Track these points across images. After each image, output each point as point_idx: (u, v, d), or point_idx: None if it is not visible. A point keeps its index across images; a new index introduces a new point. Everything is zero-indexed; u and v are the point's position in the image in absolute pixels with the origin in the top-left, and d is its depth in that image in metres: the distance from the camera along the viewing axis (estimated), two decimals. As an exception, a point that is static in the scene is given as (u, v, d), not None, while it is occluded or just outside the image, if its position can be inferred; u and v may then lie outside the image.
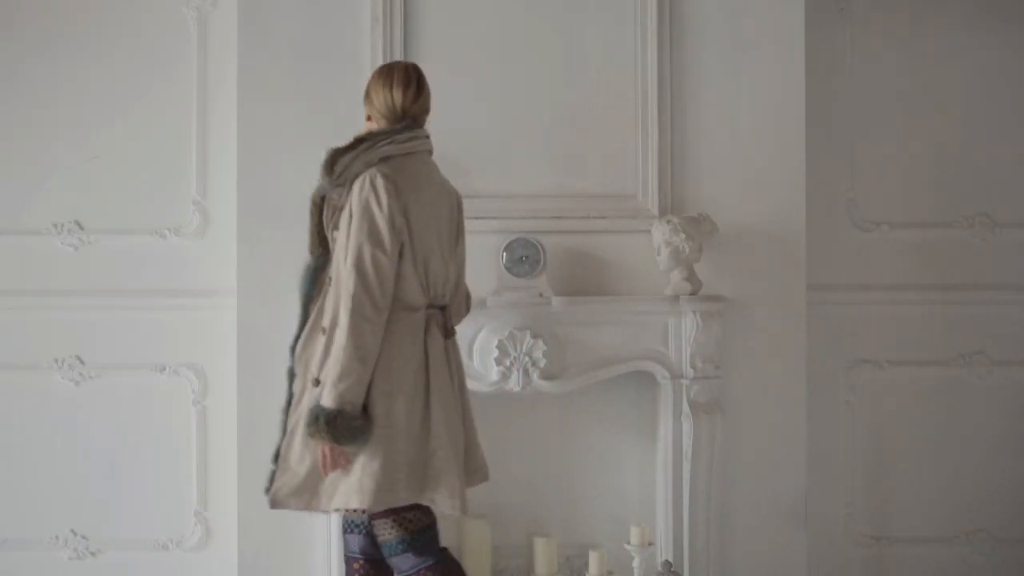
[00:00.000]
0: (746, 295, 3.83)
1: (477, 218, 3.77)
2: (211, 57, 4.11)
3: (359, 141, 2.87)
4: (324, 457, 2.74)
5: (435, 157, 3.02)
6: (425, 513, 2.88)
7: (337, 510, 2.85)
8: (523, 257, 3.72)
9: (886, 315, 4.18)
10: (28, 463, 4.11)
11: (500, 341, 3.66)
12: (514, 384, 3.66)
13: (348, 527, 3.01)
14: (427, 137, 2.98)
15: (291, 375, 2.90)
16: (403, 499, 2.77)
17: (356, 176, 2.82)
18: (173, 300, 4.07)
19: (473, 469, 2.99)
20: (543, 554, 3.73)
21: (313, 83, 3.80)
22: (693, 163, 3.86)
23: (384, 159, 2.84)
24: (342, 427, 2.68)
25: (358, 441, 2.72)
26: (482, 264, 3.75)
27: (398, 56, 3.80)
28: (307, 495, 2.82)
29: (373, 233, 2.75)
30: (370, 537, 2.95)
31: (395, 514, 2.84)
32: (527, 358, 3.67)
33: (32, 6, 4.13)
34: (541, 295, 3.70)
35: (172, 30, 4.12)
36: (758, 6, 3.88)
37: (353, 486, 2.74)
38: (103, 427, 4.11)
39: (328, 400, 2.69)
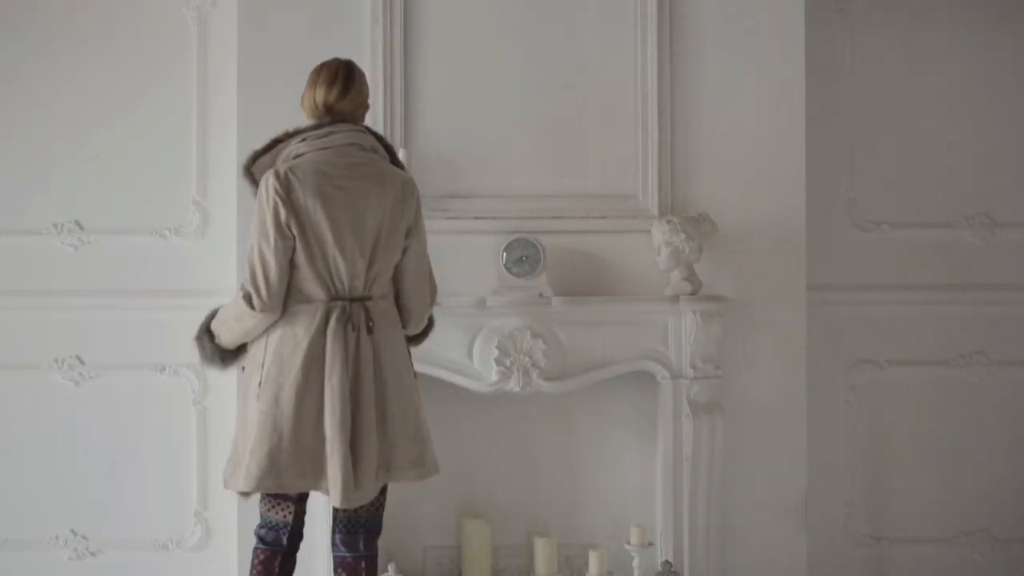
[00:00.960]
0: (746, 295, 3.83)
1: (477, 218, 3.79)
2: (211, 57, 4.11)
3: (276, 142, 2.99)
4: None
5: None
6: (282, 513, 3.00)
7: (238, 492, 2.96)
8: (523, 257, 3.72)
9: (886, 315, 4.19)
10: (28, 463, 4.11)
11: (500, 341, 3.66)
12: (514, 384, 3.66)
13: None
14: (358, 131, 2.99)
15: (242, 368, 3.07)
16: (292, 486, 2.88)
17: None
18: (173, 300, 4.07)
19: (391, 465, 2.93)
20: (543, 554, 3.73)
21: (313, 83, 3.80)
22: (693, 163, 3.86)
23: (298, 156, 2.93)
24: (204, 341, 3.07)
25: (200, 356, 3.09)
26: (482, 264, 3.75)
27: (398, 56, 3.80)
28: (228, 474, 2.99)
29: (261, 229, 2.89)
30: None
31: (267, 498, 3.01)
32: (527, 358, 3.67)
33: (32, 6, 4.14)
34: (541, 295, 3.70)
35: (172, 30, 4.13)
36: (758, 6, 3.88)
37: (242, 471, 2.87)
38: (103, 427, 4.11)
39: (214, 321, 3.04)
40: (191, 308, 4.00)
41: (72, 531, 4.12)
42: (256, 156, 2.99)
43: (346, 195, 2.90)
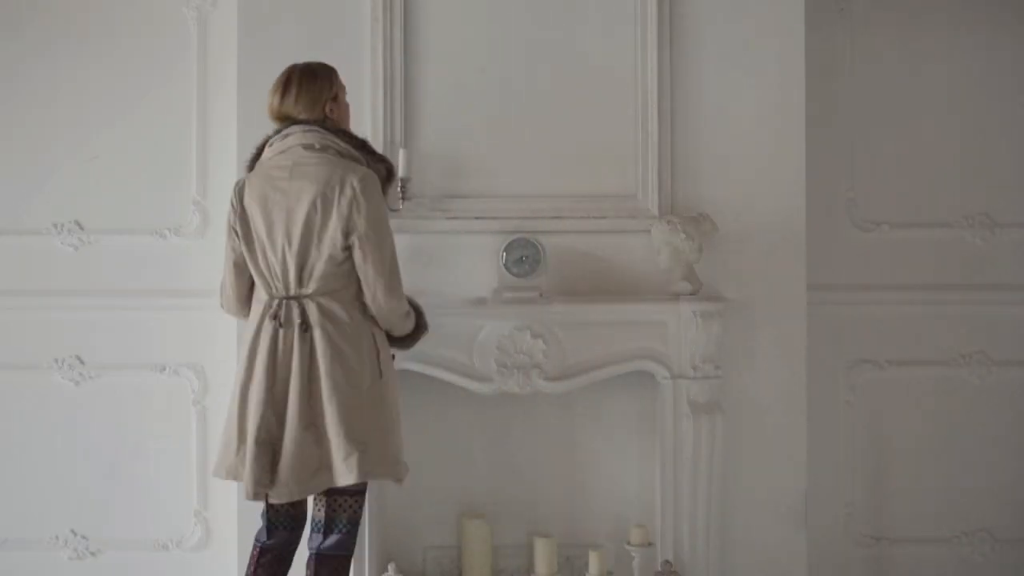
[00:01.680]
0: (746, 295, 3.83)
1: (477, 218, 3.79)
2: (211, 57, 4.11)
3: (259, 151, 3.14)
4: None
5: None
6: (262, 506, 3.11)
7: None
8: (523, 257, 3.72)
9: (886, 315, 4.18)
10: (28, 463, 4.11)
11: (500, 341, 3.66)
12: (514, 384, 3.66)
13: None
14: (309, 131, 3.03)
15: None
16: (245, 481, 2.95)
17: None
18: (173, 300, 4.07)
19: (333, 467, 2.91)
20: (543, 554, 3.73)
21: (313, 83, 3.79)
22: (693, 163, 3.86)
23: (268, 161, 3.07)
24: None
25: None
26: (482, 264, 3.75)
27: (398, 56, 3.80)
28: None
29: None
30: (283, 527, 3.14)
31: None
32: (527, 358, 3.67)
33: (32, 6, 4.14)
34: (541, 295, 3.70)
35: (172, 30, 4.13)
36: (758, 6, 3.88)
37: None
38: (103, 427, 4.11)
39: None
40: (191, 308, 4.04)
41: (72, 531, 4.12)
42: (250, 167, 3.14)
43: (283, 195, 2.98)
